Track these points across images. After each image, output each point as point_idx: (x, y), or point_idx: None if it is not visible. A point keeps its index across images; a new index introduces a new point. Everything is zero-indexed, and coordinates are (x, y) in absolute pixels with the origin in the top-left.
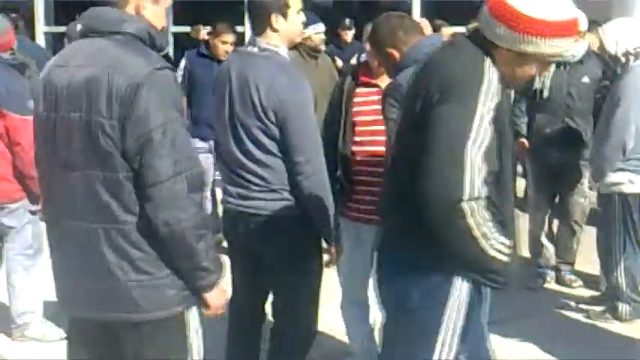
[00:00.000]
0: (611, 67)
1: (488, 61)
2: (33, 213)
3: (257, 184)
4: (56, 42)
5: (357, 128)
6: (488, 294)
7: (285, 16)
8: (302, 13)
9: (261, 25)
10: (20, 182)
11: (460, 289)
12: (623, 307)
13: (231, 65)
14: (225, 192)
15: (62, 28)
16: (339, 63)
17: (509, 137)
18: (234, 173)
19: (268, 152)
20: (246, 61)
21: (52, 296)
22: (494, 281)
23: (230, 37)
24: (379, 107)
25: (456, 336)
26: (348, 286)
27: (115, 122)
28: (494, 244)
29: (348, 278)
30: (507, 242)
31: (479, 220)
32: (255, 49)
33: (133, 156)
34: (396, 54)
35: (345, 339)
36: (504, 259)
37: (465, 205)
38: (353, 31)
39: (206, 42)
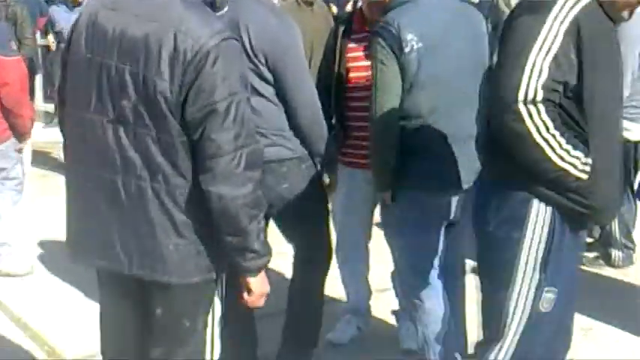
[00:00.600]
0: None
1: None
2: (19, 151)
3: None
4: None
5: (351, 75)
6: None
7: None
8: None
9: None
10: (7, 121)
11: (539, 212)
12: (616, 254)
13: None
14: None
15: None
16: (335, 9)
17: (614, 64)
18: None
19: (259, 94)
20: (235, 3)
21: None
22: (577, 203)
23: None
24: None
25: (536, 270)
26: (342, 234)
27: (177, 87)
28: (563, 155)
29: (343, 225)
30: (583, 157)
31: (539, 124)
32: None
33: (195, 125)
34: None
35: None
36: (580, 175)
37: (520, 107)
38: None
39: None
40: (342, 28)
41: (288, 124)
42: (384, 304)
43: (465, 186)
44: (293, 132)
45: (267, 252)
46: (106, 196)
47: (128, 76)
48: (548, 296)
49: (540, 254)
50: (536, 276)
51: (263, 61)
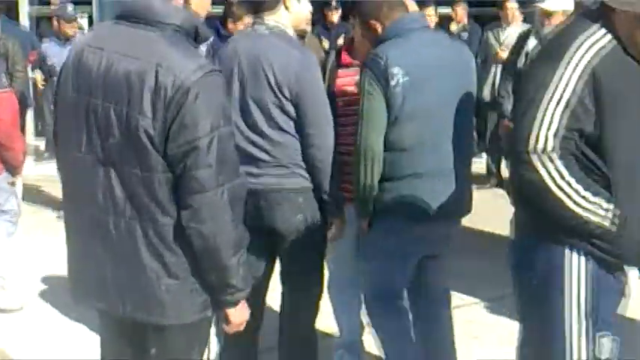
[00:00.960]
0: None
1: (594, 27)
2: (11, 184)
3: (266, 161)
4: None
5: (340, 107)
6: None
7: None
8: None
9: (274, 2)
10: None
11: (572, 260)
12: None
13: (238, 46)
14: None
15: (46, 9)
16: (326, 44)
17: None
18: (241, 152)
19: (280, 129)
20: (256, 41)
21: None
22: (606, 251)
23: (249, 19)
24: None
25: (584, 317)
26: (336, 269)
27: (160, 123)
28: (581, 202)
29: (335, 260)
30: (605, 204)
31: (553, 173)
32: (263, 28)
33: (176, 161)
34: (379, 27)
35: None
36: (603, 222)
37: (532, 157)
38: (340, 12)
39: (221, 23)
40: (330, 61)
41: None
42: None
43: (448, 218)
44: (305, 161)
45: (247, 285)
46: (100, 237)
47: (113, 115)
48: (604, 341)
49: (585, 301)
50: (586, 323)
51: (287, 95)
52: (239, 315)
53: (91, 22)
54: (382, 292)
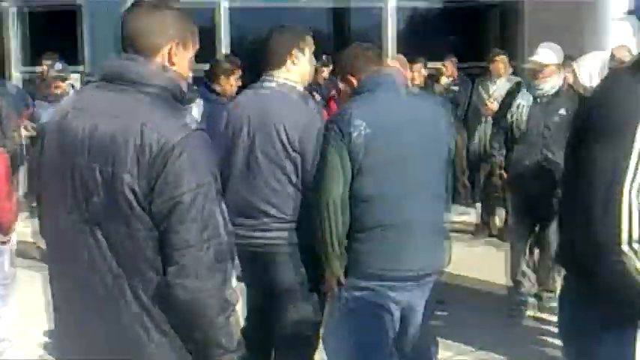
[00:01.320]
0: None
1: None
2: (3, 243)
3: (273, 216)
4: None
5: None
6: None
7: (303, 52)
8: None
9: (280, 59)
10: None
11: None
12: None
13: (247, 104)
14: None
15: (37, 68)
16: (318, 97)
17: None
18: (249, 206)
19: (290, 183)
20: (264, 97)
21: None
22: None
23: (239, 73)
24: None
25: None
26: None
27: (144, 181)
28: None
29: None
30: None
31: None
32: (273, 85)
33: (161, 218)
34: (354, 81)
35: None
36: None
37: (624, 248)
38: (330, 68)
39: (209, 78)
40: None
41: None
42: None
43: (419, 273)
44: (304, 217)
45: (237, 347)
46: (87, 297)
47: (98, 175)
48: None
49: None
50: None
51: (298, 148)
52: None
53: (82, 80)
54: (368, 353)
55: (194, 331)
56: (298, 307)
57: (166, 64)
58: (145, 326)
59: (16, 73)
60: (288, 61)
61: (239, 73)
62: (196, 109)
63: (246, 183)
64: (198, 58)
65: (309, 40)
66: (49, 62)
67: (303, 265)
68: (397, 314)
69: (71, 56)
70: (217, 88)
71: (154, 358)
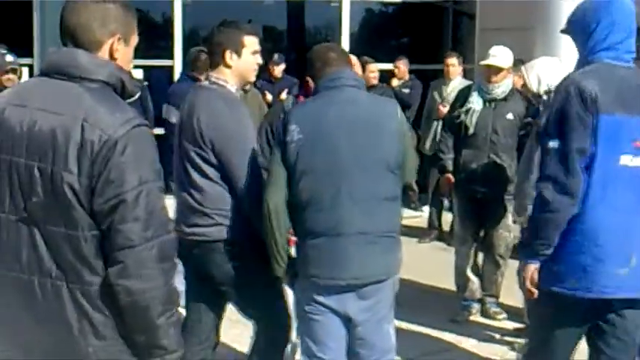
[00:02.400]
0: (533, 105)
1: None
2: None
3: (198, 210)
4: None
5: None
6: None
7: (239, 54)
8: (258, 55)
9: (215, 60)
10: None
11: None
12: None
13: (188, 97)
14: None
15: None
16: (269, 97)
17: None
18: (180, 200)
19: (205, 177)
20: (197, 93)
21: None
22: None
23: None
24: None
25: None
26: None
27: (85, 179)
28: None
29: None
30: None
31: None
32: (206, 82)
33: (103, 217)
34: (311, 82)
35: None
36: None
37: None
38: (283, 66)
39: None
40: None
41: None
42: None
43: (361, 281)
44: (236, 213)
45: (178, 347)
46: (25, 299)
47: (37, 172)
48: None
49: None
50: None
51: (210, 147)
52: None
53: (31, 73)
54: (313, 353)
55: (137, 332)
56: (243, 293)
57: (107, 57)
58: (82, 331)
59: None
60: (221, 64)
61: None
62: None
63: (179, 179)
64: (153, 52)
65: (250, 40)
66: None
67: (239, 259)
68: (336, 320)
69: (21, 49)
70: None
71: None
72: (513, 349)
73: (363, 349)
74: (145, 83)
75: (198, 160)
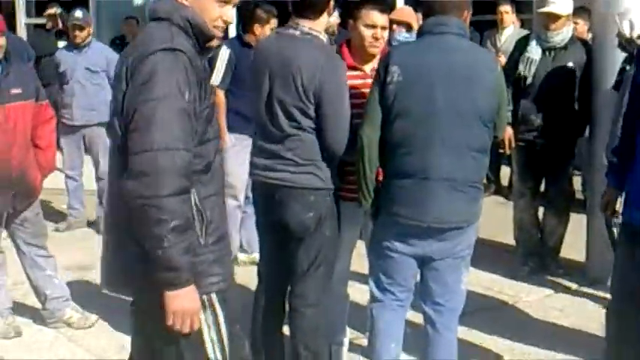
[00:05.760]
0: (628, 51)
1: None
2: None
3: (285, 158)
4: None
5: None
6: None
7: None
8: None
9: (319, 8)
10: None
11: None
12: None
13: (271, 46)
14: (252, 164)
15: (42, 20)
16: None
17: None
18: (263, 146)
19: (300, 128)
20: (288, 43)
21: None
22: None
23: (380, 20)
24: (365, 90)
25: None
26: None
27: (122, 95)
28: None
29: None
30: None
31: None
32: (297, 33)
33: (125, 125)
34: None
35: None
36: None
37: None
38: (338, 21)
39: (243, 28)
40: None
41: (321, 155)
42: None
43: (442, 225)
44: (326, 163)
45: (183, 267)
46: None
47: None
48: None
49: None
50: None
51: (312, 100)
52: (175, 303)
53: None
54: (383, 285)
55: (139, 240)
56: (307, 243)
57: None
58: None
59: (21, 24)
60: (325, 13)
61: (275, 22)
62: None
63: (263, 126)
64: None
65: None
66: (56, 11)
67: (316, 209)
68: (410, 260)
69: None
70: (251, 39)
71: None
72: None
73: (435, 285)
74: None
75: (295, 112)
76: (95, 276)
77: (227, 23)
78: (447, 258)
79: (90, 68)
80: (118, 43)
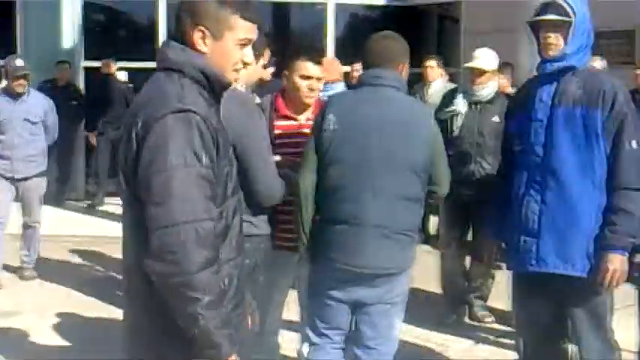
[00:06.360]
0: None
1: None
2: None
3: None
4: None
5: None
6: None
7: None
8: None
9: None
10: None
11: None
12: None
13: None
14: None
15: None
16: (258, 100)
17: None
18: None
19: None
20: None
21: None
22: None
23: (315, 71)
24: (300, 139)
25: None
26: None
27: (131, 162)
28: None
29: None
30: None
31: None
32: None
33: (141, 199)
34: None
35: None
36: None
37: None
38: (272, 69)
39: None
40: (266, 110)
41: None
42: None
43: (372, 271)
44: (258, 210)
45: (222, 343)
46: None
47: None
48: None
49: None
50: None
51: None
52: None
53: None
54: (319, 330)
55: (178, 318)
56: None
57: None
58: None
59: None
60: None
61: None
62: None
63: None
64: (137, 55)
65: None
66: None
67: (251, 256)
68: (344, 306)
69: (5, 48)
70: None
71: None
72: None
73: (367, 329)
74: (130, 85)
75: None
76: (19, 323)
77: (247, 64)
78: (379, 304)
79: (29, 119)
80: (50, 87)
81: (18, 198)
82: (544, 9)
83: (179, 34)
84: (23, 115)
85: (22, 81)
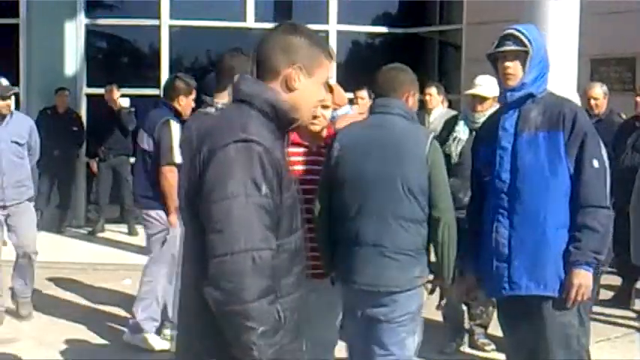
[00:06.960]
0: None
1: None
2: None
3: None
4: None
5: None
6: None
7: None
8: None
9: (225, 84)
10: None
11: None
12: None
13: (192, 126)
14: None
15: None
16: None
17: None
18: None
19: None
20: (204, 121)
21: None
22: None
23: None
24: (311, 167)
25: None
26: None
27: (194, 190)
28: None
29: None
30: None
31: None
32: (212, 109)
33: (203, 225)
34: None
35: None
36: None
37: None
38: None
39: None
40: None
41: None
42: None
43: (373, 289)
44: None
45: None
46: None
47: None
48: None
49: None
50: None
51: None
52: None
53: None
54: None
55: (231, 346)
56: None
57: (282, 87)
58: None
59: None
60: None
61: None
62: None
63: None
64: (140, 81)
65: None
66: None
67: None
68: (357, 318)
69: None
70: (178, 108)
71: None
72: None
73: (377, 348)
74: (132, 110)
75: None
76: (17, 350)
77: (325, 106)
78: (385, 322)
79: (17, 141)
80: (50, 114)
81: (11, 228)
82: (502, 41)
83: (265, 72)
84: (10, 138)
85: (8, 101)
